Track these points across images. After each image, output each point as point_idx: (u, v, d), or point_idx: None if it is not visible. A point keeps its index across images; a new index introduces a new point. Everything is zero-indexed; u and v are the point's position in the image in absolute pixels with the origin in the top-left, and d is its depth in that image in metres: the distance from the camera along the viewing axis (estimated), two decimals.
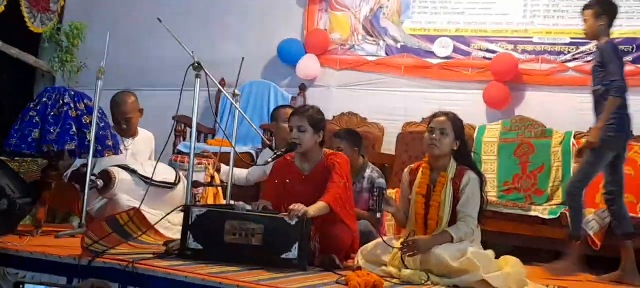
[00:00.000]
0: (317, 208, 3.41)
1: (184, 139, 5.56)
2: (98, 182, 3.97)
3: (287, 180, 3.68)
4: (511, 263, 3.33)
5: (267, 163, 3.87)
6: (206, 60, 3.75)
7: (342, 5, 6.10)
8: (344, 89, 6.03)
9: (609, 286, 3.85)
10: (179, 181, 4.28)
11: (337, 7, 6.10)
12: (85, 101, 4.02)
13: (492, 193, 4.88)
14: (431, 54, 5.82)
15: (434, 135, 3.44)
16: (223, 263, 3.17)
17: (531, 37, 5.57)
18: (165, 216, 3.77)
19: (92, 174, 3.94)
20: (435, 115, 3.52)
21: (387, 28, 5.97)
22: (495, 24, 5.68)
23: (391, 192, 4.35)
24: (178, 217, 3.74)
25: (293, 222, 3.28)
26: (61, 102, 3.94)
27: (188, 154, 3.90)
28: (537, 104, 5.45)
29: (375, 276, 3.09)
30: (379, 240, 3.47)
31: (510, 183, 5.00)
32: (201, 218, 3.36)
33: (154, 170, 3.91)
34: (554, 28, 5.52)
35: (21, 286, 2.69)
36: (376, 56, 5.97)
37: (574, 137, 5.01)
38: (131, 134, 4.64)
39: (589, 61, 5.14)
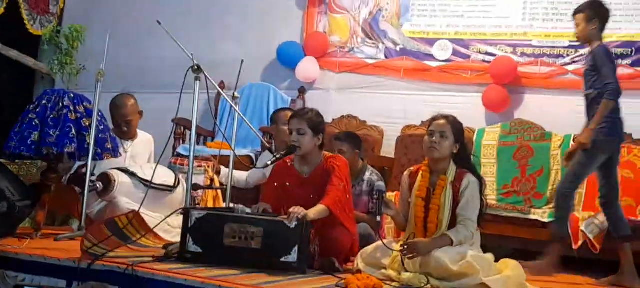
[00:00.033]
0: (316, 211, 3.41)
1: (184, 142, 5.55)
2: (97, 185, 3.97)
3: (287, 183, 3.68)
4: (511, 266, 3.33)
5: (266, 166, 3.87)
6: (206, 61, 3.76)
7: (342, 8, 6.09)
8: (343, 92, 6.02)
9: None
10: (179, 184, 4.28)
11: (336, 9, 6.10)
12: (84, 104, 4.02)
13: (491, 197, 4.87)
14: (430, 56, 5.81)
15: (434, 138, 3.43)
16: (222, 266, 3.16)
17: (530, 40, 5.57)
18: (165, 219, 3.77)
19: (92, 176, 3.94)
20: (434, 118, 3.51)
21: (386, 31, 5.96)
22: (494, 27, 5.67)
23: (391, 195, 4.35)
24: (177, 220, 3.74)
25: (292, 225, 3.28)
26: (61, 104, 3.94)
27: (187, 157, 3.90)
28: (536, 107, 5.45)
29: (375, 279, 3.10)
30: (379, 243, 3.47)
31: (509, 187, 5.00)
32: (201, 221, 3.36)
33: (154, 172, 3.91)
34: (552, 31, 5.51)
35: None
36: (375, 59, 5.97)
37: (573, 140, 5.00)
38: (131, 136, 4.64)
39: None
